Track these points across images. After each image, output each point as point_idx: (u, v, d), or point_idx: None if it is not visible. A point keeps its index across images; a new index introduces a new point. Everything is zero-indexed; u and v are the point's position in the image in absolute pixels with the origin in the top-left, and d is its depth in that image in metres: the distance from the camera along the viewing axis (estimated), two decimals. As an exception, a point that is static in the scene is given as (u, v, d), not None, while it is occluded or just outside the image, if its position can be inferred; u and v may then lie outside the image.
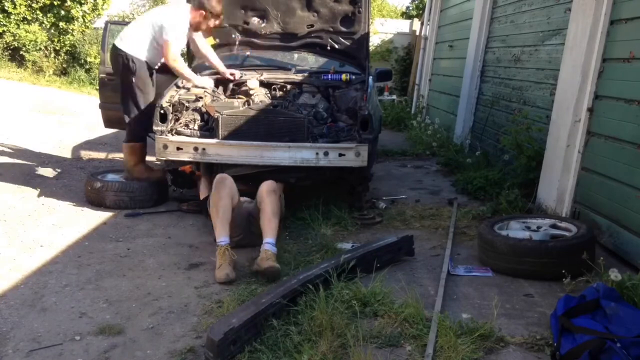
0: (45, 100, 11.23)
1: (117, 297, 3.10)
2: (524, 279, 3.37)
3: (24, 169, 5.97)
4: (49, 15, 14.23)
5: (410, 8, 18.76)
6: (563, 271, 3.09)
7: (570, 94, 4.22)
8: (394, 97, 11.84)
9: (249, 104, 4.66)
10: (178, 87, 4.88)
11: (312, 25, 5.22)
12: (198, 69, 5.35)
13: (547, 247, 3.38)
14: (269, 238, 3.54)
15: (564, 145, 4.24)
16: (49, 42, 14.28)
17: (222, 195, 3.71)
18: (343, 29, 5.21)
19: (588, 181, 4.08)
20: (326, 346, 2.46)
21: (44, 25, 14.23)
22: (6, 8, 13.57)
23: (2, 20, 13.66)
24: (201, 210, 4.57)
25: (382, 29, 14.35)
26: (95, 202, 4.76)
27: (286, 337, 2.58)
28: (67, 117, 9.69)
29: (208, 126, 4.58)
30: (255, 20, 5.23)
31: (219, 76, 5.32)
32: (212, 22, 4.80)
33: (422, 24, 12.03)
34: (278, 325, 2.63)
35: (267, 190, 3.78)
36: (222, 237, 3.53)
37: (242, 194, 4.04)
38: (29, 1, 13.79)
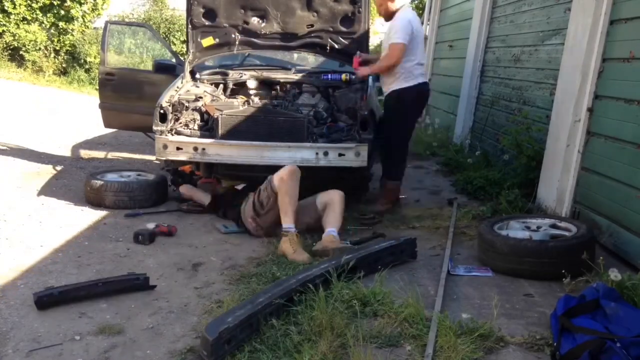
0: (45, 100, 11.24)
1: (117, 296, 3.09)
2: (524, 278, 3.37)
3: (24, 168, 5.97)
4: (48, 15, 14.24)
5: (411, 8, 18.76)
6: (563, 271, 3.08)
7: (570, 94, 4.22)
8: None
9: (248, 104, 4.66)
10: (178, 86, 4.89)
11: (312, 25, 5.22)
12: (196, 69, 5.36)
13: (547, 247, 3.38)
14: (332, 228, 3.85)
15: (564, 145, 4.24)
16: (49, 42, 14.29)
17: (294, 185, 3.91)
18: (343, 28, 5.21)
19: (588, 181, 4.08)
20: (326, 346, 2.46)
21: (43, 25, 14.24)
22: (6, 8, 13.58)
23: (1, 20, 13.66)
24: (201, 210, 4.57)
25: (383, 29, 14.35)
26: (94, 202, 4.76)
27: (286, 337, 2.58)
28: (67, 117, 9.69)
29: (208, 126, 4.59)
30: (255, 20, 5.23)
31: (218, 76, 5.32)
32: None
33: (421, 23, 12.02)
34: (278, 325, 2.63)
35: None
36: (291, 224, 3.79)
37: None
38: (29, 1, 13.80)
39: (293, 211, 3.82)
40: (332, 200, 4.03)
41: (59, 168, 6.13)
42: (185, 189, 4.83)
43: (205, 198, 4.65)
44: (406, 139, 4.80)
